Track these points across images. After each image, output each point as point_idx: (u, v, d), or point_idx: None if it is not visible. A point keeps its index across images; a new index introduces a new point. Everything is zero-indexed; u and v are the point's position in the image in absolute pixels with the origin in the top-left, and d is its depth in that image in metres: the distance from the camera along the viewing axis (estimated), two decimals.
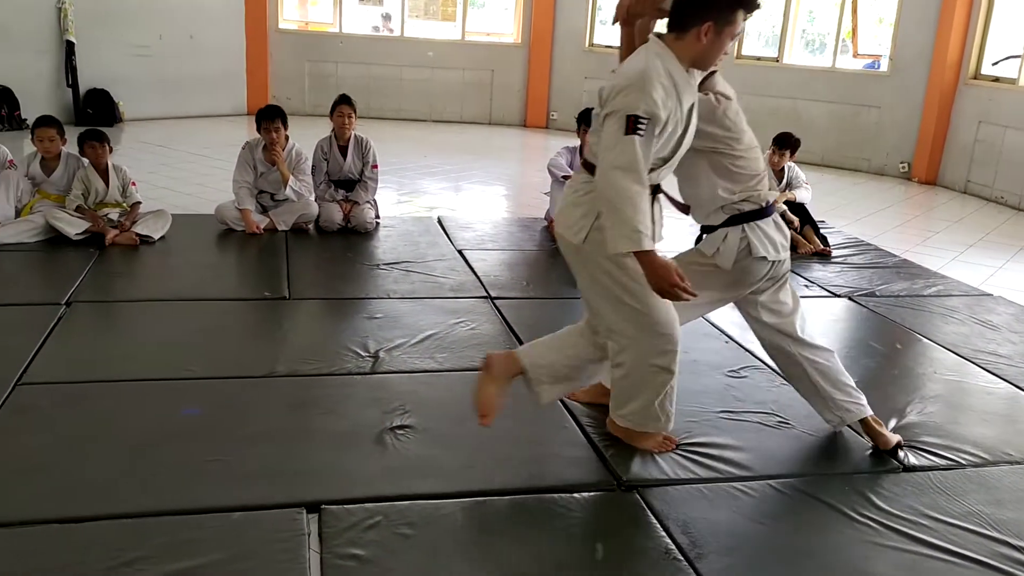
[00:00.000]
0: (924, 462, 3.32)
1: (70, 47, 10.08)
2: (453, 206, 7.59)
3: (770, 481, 3.11)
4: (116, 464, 2.96)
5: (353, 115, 6.16)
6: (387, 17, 12.99)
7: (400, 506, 2.82)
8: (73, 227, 5.43)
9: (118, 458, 3.00)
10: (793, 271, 5.76)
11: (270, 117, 5.93)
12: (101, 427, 3.21)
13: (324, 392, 3.62)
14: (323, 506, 2.77)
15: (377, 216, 6.36)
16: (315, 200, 6.18)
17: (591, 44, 12.18)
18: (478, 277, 5.26)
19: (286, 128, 6.02)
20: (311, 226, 6.16)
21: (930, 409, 3.81)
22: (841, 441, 3.47)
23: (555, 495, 2.94)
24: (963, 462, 3.35)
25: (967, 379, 4.23)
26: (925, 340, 4.72)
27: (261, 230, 5.91)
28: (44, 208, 5.55)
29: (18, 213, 5.55)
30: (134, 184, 5.83)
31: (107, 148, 5.68)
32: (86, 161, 5.73)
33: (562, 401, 3.61)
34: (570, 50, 11.96)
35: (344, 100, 6.17)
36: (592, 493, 2.97)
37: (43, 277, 5.02)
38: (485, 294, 4.97)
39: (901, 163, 10.14)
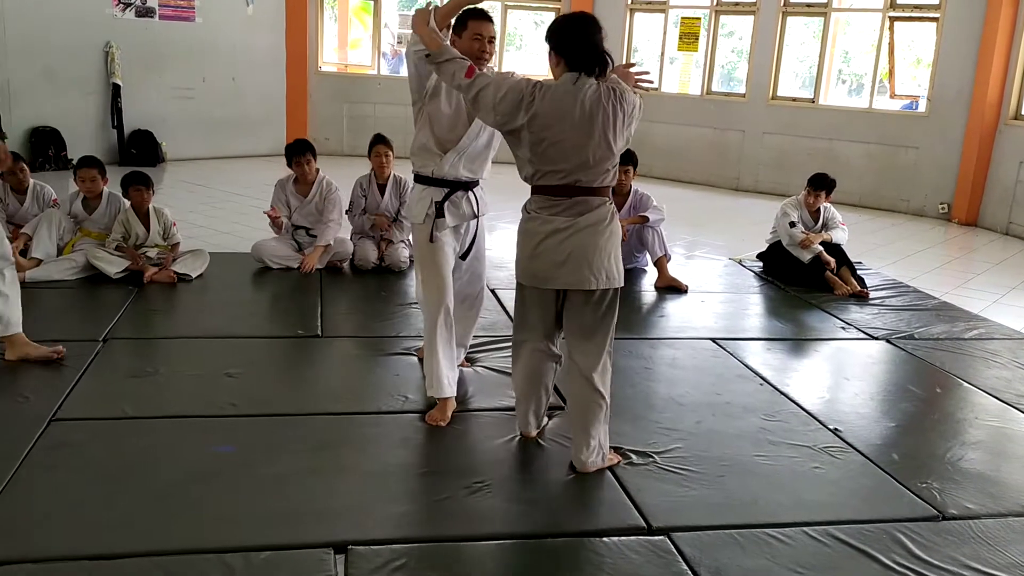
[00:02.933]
0: (964, 510, 3.23)
1: (116, 89, 10.34)
2: (488, 245, 7.59)
3: (805, 528, 3.04)
4: (148, 501, 2.98)
5: (390, 154, 6.23)
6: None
7: (427, 548, 2.80)
8: (113, 266, 5.53)
9: (150, 495, 3.02)
10: (830, 313, 5.76)
11: (300, 151, 6.08)
12: (134, 464, 3.24)
13: (355, 431, 3.62)
14: (350, 547, 2.76)
15: (411, 255, 6.40)
16: (351, 237, 6.25)
17: None
18: (510, 316, 5.24)
19: (315, 159, 6.16)
20: (346, 264, 6.22)
21: (971, 456, 3.72)
22: (878, 487, 3.40)
23: (583, 539, 2.90)
24: (1005, 511, 3.25)
25: (1010, 425, 4.13)
26: (966, 384, 4.62)
27: (278, 216, 6.05)
28: (85, 247, 5.66)
29: (60, 251, 5.67)
30: (175, 225, 5.93)
31: (151, 192, 5.79)
32: (127, 203, 5.84)
33: None
34: None
35: (380, 140, 6.24)
36: (622, 538, 2.92)
37: (82, 314, 5.10)
38: None
39: (941, 204, 10.02)
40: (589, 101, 3.05)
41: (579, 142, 3.06)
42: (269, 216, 6.02)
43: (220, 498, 3.03)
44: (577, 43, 3.08)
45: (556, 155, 3.08)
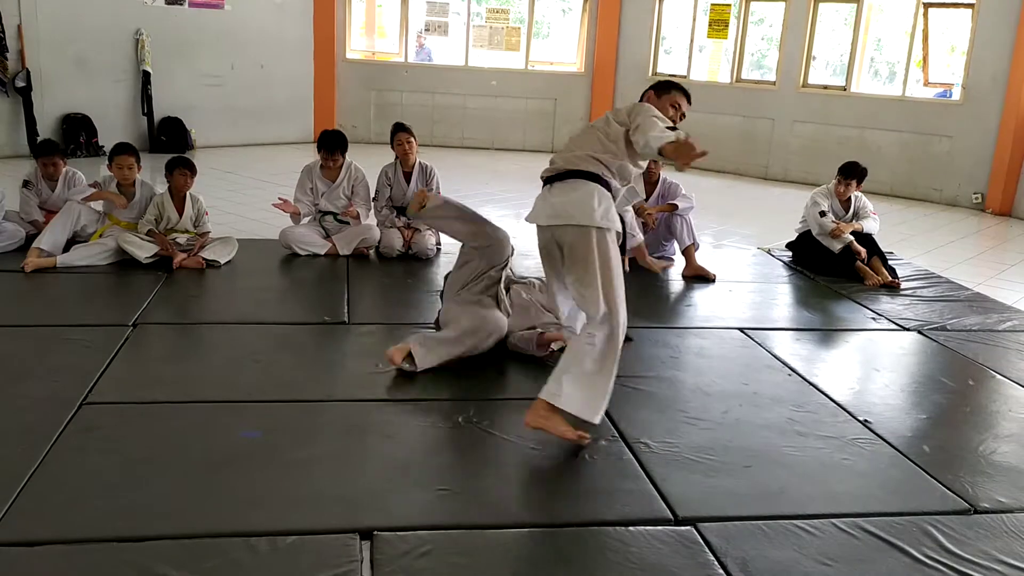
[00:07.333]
0: (997, 504, 3.18)
1: (146, 77, 10.42)
2: (514, 233, 7.56)
3: (834, 519, 3.00)
4: (175, 484, 3.00)
5: (413, 141, 6.23)
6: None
7: (453, 535, 2.80)
8: (143, 251, 5.57)
9: (178, 479, 3.04)
10: (860, 303, 5.69)
11: (331, 149, 6.09)
12: (163, 447, 3.27)
13: (381, 418, 3.63)
14: (376, 533, 2.76)
15: (438, 243, 6.39)
16: (377, 226, 6.26)
17: (655, 72, 12.15)
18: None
19: (344, 157, 6.17)
20: (372, 251, 6.23)
21: (1004, 448, 3.66)
22: (908, 479, 3.35)
23: (610, 528, 2.89)
24: None
25: None
26: (999, 376, 4.54)
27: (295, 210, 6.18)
28: (116, 231, 5.70)
29: (89, 239, 5.72)
30: (206, 214, 5.96)
31: (192, 179, 5.83)
32: (161, 189, 5.88)
33: (620, 433, 3.56)
34: (633, 79, 11.94)
35: (401, 128, 6.24)
36: (648, 527, 2.90)
37: (112, 298, 5.15)
38: None
39: (974, 194, 9.86)
40: None
41: None
42: (281, 208, 6.10)
43: (247, 482, 3.04)
44: None
45: None
